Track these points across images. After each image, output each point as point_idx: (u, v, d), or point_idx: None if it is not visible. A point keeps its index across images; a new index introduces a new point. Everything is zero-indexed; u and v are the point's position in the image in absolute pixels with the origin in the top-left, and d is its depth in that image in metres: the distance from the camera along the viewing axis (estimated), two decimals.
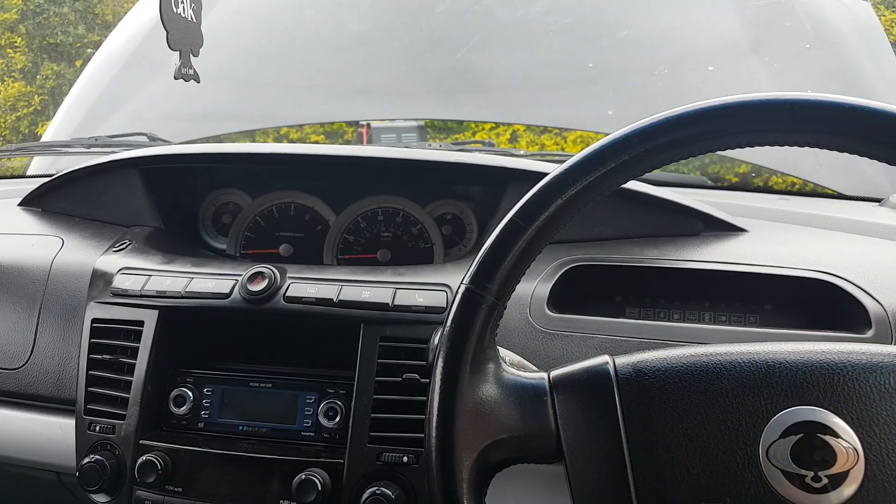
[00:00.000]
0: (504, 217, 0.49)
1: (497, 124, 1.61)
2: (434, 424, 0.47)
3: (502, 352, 0.53)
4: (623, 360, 0.48)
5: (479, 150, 1.16)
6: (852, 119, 0.43)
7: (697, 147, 0.46)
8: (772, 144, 0.45)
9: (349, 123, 1.68)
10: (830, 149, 0.44)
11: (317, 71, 1.60)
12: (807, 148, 0.45)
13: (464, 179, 0.96)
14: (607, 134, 0.48)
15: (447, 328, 0.49)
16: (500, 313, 0.50)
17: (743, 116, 0.44)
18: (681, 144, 0.45)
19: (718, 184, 1.19)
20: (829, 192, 1.15)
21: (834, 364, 0.45)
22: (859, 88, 1.24)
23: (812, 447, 0.43)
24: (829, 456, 0.43)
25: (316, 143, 1.70)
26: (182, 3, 0.67)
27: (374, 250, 0.98)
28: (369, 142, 1.49)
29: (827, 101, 0.43)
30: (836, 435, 0.43)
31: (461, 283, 0.49)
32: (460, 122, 1.65)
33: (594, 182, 0.47)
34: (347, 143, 1.66)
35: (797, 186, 1.19)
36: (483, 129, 1.65)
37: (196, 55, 0.69)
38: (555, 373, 0.50)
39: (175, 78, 0.67)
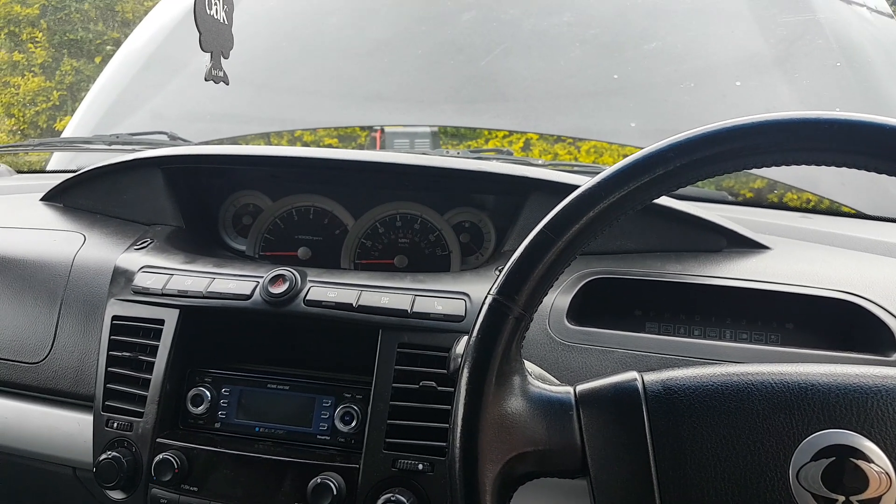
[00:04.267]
0: (529, 228, 0.49)
1: (510, 132, 1.61)
2: (458, 435, 0.47)
3: (526, 364, 0.53)
4: (652, 377, 0.48)
5: (497, 159, 1.16)
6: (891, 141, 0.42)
7: (733, 164, 0.45)
8: (811, 164, 0.44)
9: (363, 128, 1.68)
10: (869, 170, 0.44)
11: (336, 76, 1.61)
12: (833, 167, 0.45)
13: (485, 188, 0.96)
14: (624, 145, 0.48)
15: (473, 338, 0.49)
16: (526, 325, 0.49)
17: (784, 134, 0.44)
18: (718, 160, 0.45)
19: (738, 199, 1.18)
20: (849, 210, 1.14)
21: (867, 388, 0.44)
22: (885, 107, 1.23)
23: (844, 471, 0.43)
24: (861, 481, 0.43)
25: (330, 146, 1.71)
26: (215, 4, 0.67)
27: (391, 256, 0.98)
28: (383, 146, 1.49)
29: (870, 123, 0.43)
30: (868, 459, 0.43)
31: (489, 293, 0.49)
32: (473, 129, 1.65)
33: (627, 196, 0.47)
34: (361, 147, 1.66)
35: (813, 204, 1.17)
36: (496, 136, 1.65)
37: (227, 57, 0.70)
38: (581, 387, 0.50)
39: (206, 79, 0.67)
